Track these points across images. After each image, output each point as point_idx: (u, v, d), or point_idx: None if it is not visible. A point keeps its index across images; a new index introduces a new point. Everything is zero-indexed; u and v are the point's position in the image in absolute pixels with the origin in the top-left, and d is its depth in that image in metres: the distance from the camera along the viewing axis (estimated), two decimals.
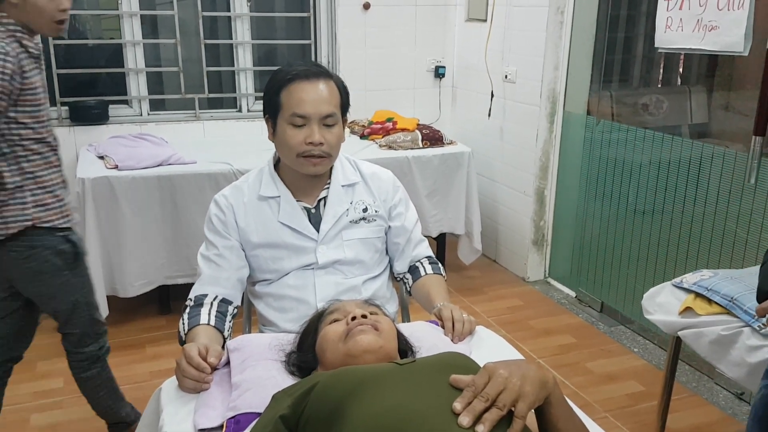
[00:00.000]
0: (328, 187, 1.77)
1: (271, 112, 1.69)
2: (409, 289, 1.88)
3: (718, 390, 2.80)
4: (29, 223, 1.98)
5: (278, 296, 1.72)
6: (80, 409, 2.64)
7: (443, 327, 1.62)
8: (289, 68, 1.68)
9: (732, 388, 2.77)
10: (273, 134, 1.72)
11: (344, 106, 1.72)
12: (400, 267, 1.88)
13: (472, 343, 1.60)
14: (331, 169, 1.78)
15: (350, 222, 1.76)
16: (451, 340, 1.56)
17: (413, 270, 1.88)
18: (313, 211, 1.75)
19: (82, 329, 2.23)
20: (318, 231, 1.73)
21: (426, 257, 1.91)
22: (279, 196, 1.73)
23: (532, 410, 1.04)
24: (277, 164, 1.79)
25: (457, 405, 1.00)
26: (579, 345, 3.20)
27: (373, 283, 1.79)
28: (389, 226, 1.84)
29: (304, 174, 1.71)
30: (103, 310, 3.14)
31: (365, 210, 1.78)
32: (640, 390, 2.81)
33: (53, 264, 2.06)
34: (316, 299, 1.69)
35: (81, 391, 2.31)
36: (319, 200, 1.76)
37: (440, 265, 1.91)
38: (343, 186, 1.78)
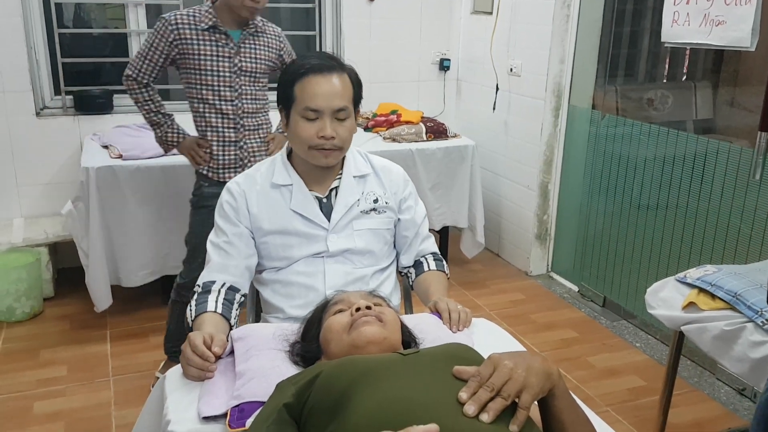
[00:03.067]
0: (340, 177, 1.78)
1: (285, 103, 1.71)
2: (411, 283, 1.89)
3: (720, 385, 2.80)
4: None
5: (286, 282, 1.73)
6: (83, 397, 2.66)
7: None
8: (303, 60, 1.69)
9: (733, 384, 2.77)
10: (286, 125, 1.73)
11: (357, 98, 1.73)
12: (406, 261, 1.89)
13: (475, 335, 1.60)
14: (343, 159, 1.80)
15: (361, 212, 1.77)
16: (450, 329, 1.57)
17: (417, 265, 1.89)
18: (324, 200, 1.76)
19: (184, 260, 2.69)
20: (329, 220, 1.73)
21: (431, 253, 1.92)
22: (291, 185, 1.74)
23: (536, 402, 1.04)
24: (290, 153, 1.80)
25: (463, 394, 1.01)
26: (581, 339, 3.20)
27: (381, 274, 1.80)
28: (398, 219, 1.85)
29: (315, 164, 1.72)
30: (107, 300, 3.16)
31: (376, 201, 1.79)
32: (641, 385, 2.81)
33: (191, 197, 2.67)
34: (325, 287, 1.70)
35: (169, 315, 2.75)
36: (331, 190, 1.77)
37: (444, 262, 1.92)
38: (354, 177, 1.79)
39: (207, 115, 2.56)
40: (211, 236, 1.76)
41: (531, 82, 3.73)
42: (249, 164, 2.61)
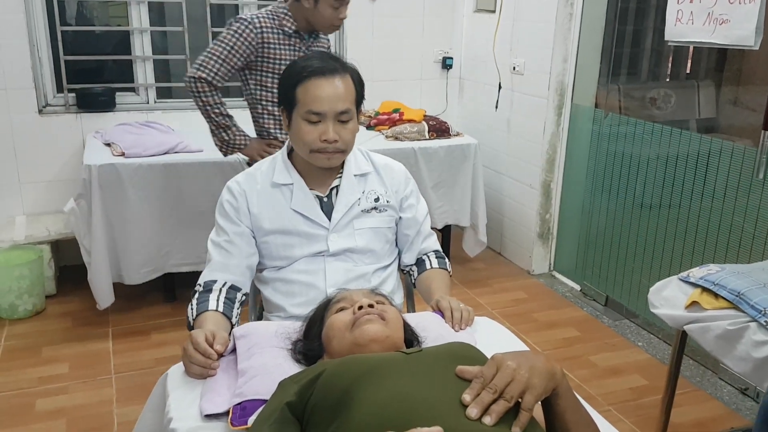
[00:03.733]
0: (340, 176, 1.77)
1: (287, 105, 1.70)
2: (413, 281, 1.89)
3: (722, 385, 2.79)
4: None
5: (287, 281, 1.73)
6: (85, 394, 2.66)
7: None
8: (305, 62, 1.68)
9: (736, 384, 2.76)
10: (288, 126, 1.72)
11: (359, 99, 1.73)
12: (408, 259, 1.88)
13: (477, 334, 1.60)
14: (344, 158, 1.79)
15: (362, 211, 1.76)
16: (452, 328, 1.57)
17: (420, 263, 1.89)
18: (325, 199, 1.76)
19: None
20: (330, 219, 1.73)
21: (433, 251, 1.91)
22: (292, 184, 1.74)
23: (539, 401, 1.04)
24: (290, 153, 1.79)
25: (466, 396, 1.00)
26: (583, 338, 3.20)
27: (382, 272, 1.80)
28: (400, 217, 1.84)
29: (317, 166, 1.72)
30: (109, 297, 3.16)
31: (377, 200, 1.79)
32: (643, 384, 2.81)
33: None
34: (326, 284, 1.69)
35: None
36: (332, 189, 1.77)
37: (447, 259, 1.92)
38: (355, 175, 1.78)
39: (281, 117, 2.53)
40: (212, 235, 1.76)
41: (534, 80, 3.72)
42: None
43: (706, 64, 4.05)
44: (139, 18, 3.76)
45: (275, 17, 2.50)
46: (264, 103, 2.59)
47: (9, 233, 3.42)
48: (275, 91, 2.50)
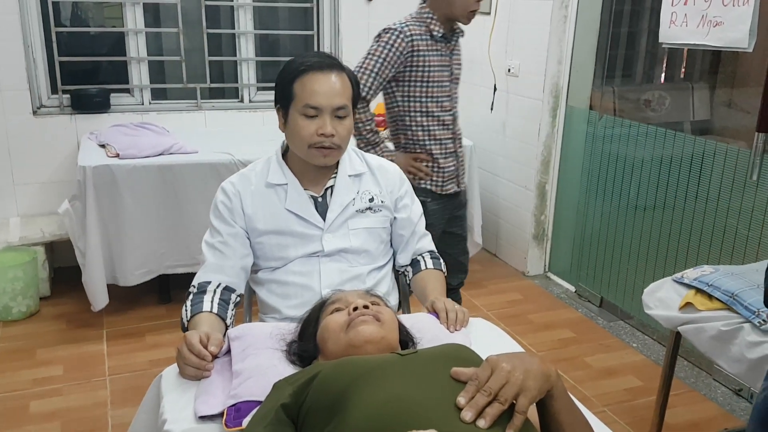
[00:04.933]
0: (335, 177, 1.77)
1: (283, 102, 1.70)
2: (408, 281, 1.89)
3: (717, 386, 2.80)
4: None
5: (282, 282, 1.73)
6: (80, 396, 2.65)
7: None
8: (303, 59, 1.68)
9: (730, 385, 2.77)
10: (284, 124, 1.72)
11: (355, 98, 1.73)
12: (403, 259, 1.88)
13: (472, 335, 1.60)
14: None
15: (356, 211, 1.76)
16: (447, 329, 1.57)
17: (414, 263, 1.89)
18: (319, 199, 1.76)
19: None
20: (324, 219, 1.73)
21: (428, 251, 1.91)
22: (286, 184, 1.74)
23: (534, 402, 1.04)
24: (285, 153, 1.79)
25: (461, 399, 1.00)
26: (578, 339, 3.20)
27: (377, 273, 1.80)
28: (395, 218, 1.84)
29: (313, 164, 1.72)
30: (103, 299, 3.15)
31: (371, 200, 1.79)
32: (638, 385, 2.81)
33: None
34: (321, 286, 1.69)
35: None
36: (326, 189, 1.77)
37: (441, 260, 1.92)
38: (350, 176, 1.79)
39: (431, 127, 2.50)
40: (206, 236, 1.75)
41: (529, 82, 3.73)
42: (462, 174, 2.63)
43: (700, 67, 4.06)
44: (134, 19, 3.75)
45: (422, 23, 2.43)
46: (413, 114, 2.49)
47: (3, 235, 3.41)
48: (423, 100, 2.46)
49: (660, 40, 2.88)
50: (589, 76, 3.58)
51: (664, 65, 4.05)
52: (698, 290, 2.03)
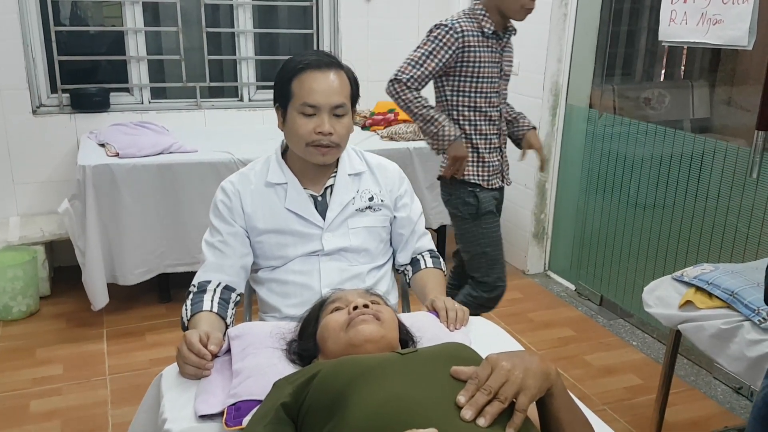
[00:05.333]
0: (334, 176, 1.77)
1: (282, 100, 1.70)
2: (408, 280, 1.89)
3: (717, 384, 2.80)
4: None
5: (282, 282, 1.73)
6: (79, 396, 2.65)
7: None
8: (301, 57, 1.68)
9: (730, 383, 2.77)
10: (283, 123, 1.72)
11: (354, 96, 1.73)
12: (403, 258, 1.88)
13: (472, 333, 1.60)
14: (338, 158, 1.79)
15: (356, 210, 1.77)
16: (447, 328, 1.57)
17: (414, 262, 1.89)
18: (319, 198, 1.76)
19: (478, 275, 2.62)
20: (324, 218, 1.73)
21: (428, 250, 1.91)
22: (286, 183, 1.74)
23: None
24: (284, 152, 1.79)
25: (461, 398, 1.00)
26: (578, 338, 3.20)
27: (377, 272, 1.80)
28: (394, 217, 1.84)
29: (312, 163, 1.71)
30: (103, 298, 3.15)
31: (371, 199, 1.79)
32: (638, 383, 2.81)
33: (460, 211, 2.58)
34: (321, 285, 1.69)
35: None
36: (326, 188, 1.77)
37: (441, 259, 1.92)
38: (349, 175, 1.79)
39: (478, 122, 2.52)
40: (206, 236, 1.75)
41: (528, 81, 3.72)
42: (506, 170, 2.67)
43: (700, 65, 4.06)
44: (133, 18, 3.75)
45: (473, 19, 2.45)
46: (460, 108, 2.51)
47: (3, 234, 3.41)
48: (472, 95, 2.49)
49: (660, 38, 2.87)
50: (589, 74, 3.58)
51: (664, 63, 4.05)
52: (698, 288, 2.03)
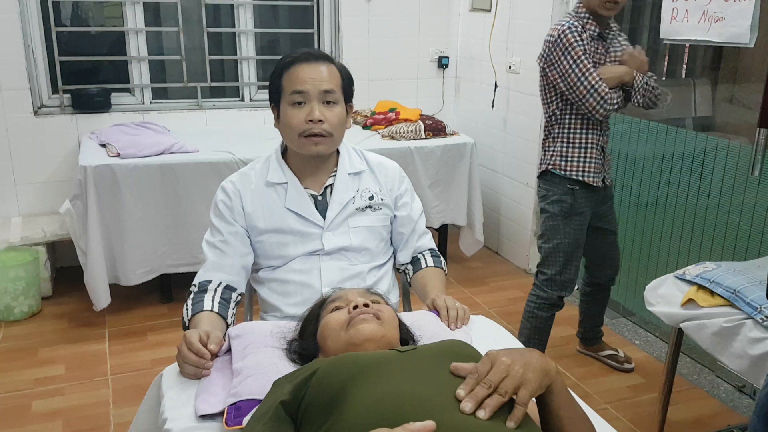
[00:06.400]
0: (334, 175, 1.77)
1: (275, 97, 1.71)
2: (409, 279, 1.89)
3: (719, 382, 2.80)
4: (547, 166, 2.54)
5: (283, 281, 1.73)
6: (81, 396, 2.66)
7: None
8: (291, 54, 1.70)
9: (733, 381, 2.77)
10: (278, 121, 1.72)
11: (346, 89, 1.73)
12: (403, 257, 1.88)
13: (473, 332, 1.60)
14: (338, 157, 1.79)
15: (356, 209, 1.76)
16: (448, 326, 1.57)
17: (415, 261, 1.89)
18: (319, 198, 1.76)
19: (552, 274, 2.60)
20: (324, 218, 1.73)
21: (429, 249, 1.91)
22: (286, 182, 1.74)
23: (534, 399, 1.04)
24: (284, 152, 1.79)
25: (461, 391, 1.00)
26: None
27: (377, 271, 1.79)
28: (395, 216, 1.84)
29: (310, 157, 1.72)
30: (105, 299, 3.16)
31: (371, 198, 1.78)
32: (641, 382, 2.81)
33: (553, 208, 2.54)
34: (321, 284, 1.69)
35: (523, 316, 2.71)
36: (326, 187, 1.77)
37: (442, 258, 1.92)
38: (349, 174, 1.79)
39: (583, 120, 2.50)
40: (207, 236, 1.76)
41: (530, 79, 3.72)
42: (608, 169, 2.63)
43: (701, 62, 4.06)
44: (134, 18, 3.75)
45: (579, 21, 2.44)
46: (565, 105, 2.51)
47: (5, 234, 3.41)
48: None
49: (661, 36, 2.86)
50: None
51: (666, 61, 4.05)
52: (700, 286, 2.02)
